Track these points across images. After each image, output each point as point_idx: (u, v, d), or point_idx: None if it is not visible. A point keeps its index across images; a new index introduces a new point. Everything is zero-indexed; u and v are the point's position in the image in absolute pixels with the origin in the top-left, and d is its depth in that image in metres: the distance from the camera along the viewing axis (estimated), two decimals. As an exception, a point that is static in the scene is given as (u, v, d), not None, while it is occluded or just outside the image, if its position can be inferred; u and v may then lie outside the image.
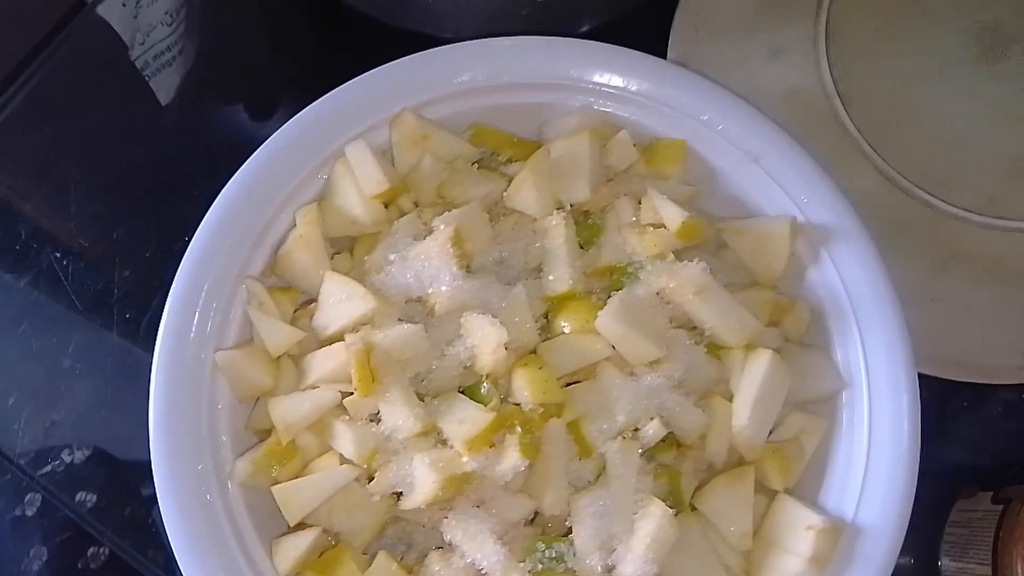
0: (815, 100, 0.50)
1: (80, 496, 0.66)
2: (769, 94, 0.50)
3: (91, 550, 0.74)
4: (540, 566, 0.39)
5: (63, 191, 0.58)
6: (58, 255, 0.56)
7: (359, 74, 0.45)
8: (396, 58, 0.46)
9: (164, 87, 0.66)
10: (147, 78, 0.65)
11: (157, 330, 0.41)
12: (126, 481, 0.61)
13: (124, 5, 0.62)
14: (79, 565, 0.73)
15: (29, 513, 0.76)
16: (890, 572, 0.40)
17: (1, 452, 0.59)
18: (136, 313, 0.55)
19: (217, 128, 0.64)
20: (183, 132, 0.63)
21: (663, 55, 0.54)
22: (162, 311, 0.50)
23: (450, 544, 0.40)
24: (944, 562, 0.52)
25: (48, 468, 0.60)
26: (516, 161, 0.46)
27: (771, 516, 0.42)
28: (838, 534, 0.40)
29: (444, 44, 0.46)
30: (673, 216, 0.42)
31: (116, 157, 0.60)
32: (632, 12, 0.58)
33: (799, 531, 0.40)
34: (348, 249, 0.46)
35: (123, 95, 0.63)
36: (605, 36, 0.47)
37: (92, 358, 0.56)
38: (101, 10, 0.61)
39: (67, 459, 0.61)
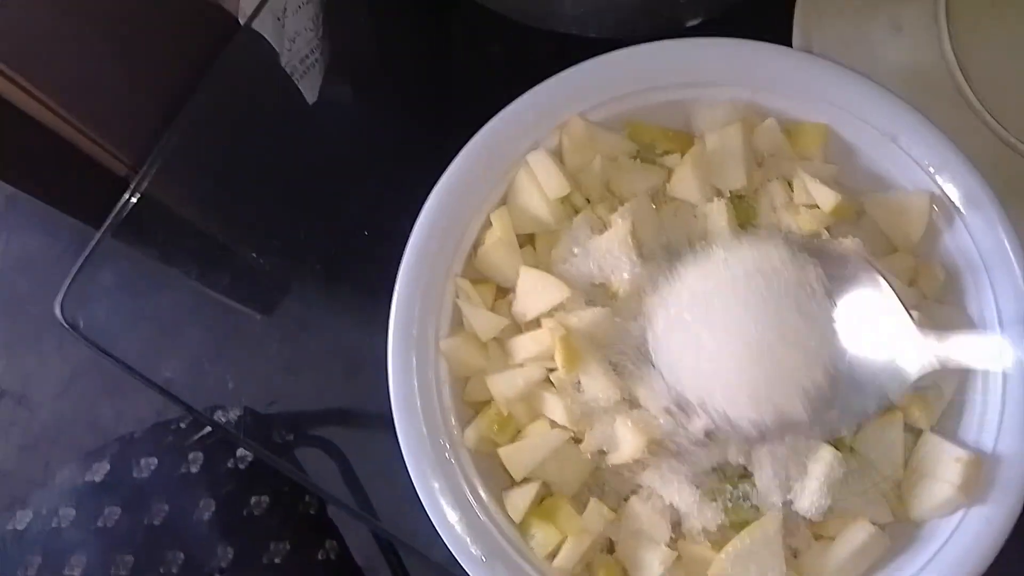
0: (937, 73, 0.54)
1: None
2: (891, 69, 0.55)
3: (253, 499, 0.84)
4: (729, 504, 0.47)
5: (251, 198, 0.65)
6: (255, 255, 0.64)
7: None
8: (544, 62, 0.51)
9: (309, 88, 0.72)
10: (296, 80, 0.71)
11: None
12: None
13: (277, 19, 0.68)
14: (244, 512, 0.84)
15: (194, 470, 0.86)
16: (1026, 496, 0.47)
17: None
18: (329, 296, 0.63)
19: (367, 128, 0.70)
20: (337, 134, 0.69)
21: (786, 35, 0.59)
22: (354, 298, 0.58)
23: (647, 489, 0.48)
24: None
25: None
26: (671, 153, 0.52)
27: (919, 451, 0.49)
28: (981, 463, 0.47)
29: (585, 41, 0.52)
30: (827, 198, 0.48)
31: (286, 162, 0.67)
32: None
33: (948, 462, 0.47)
34: (529, 243, 0.52)
35: (280, 102, 0.70)
36: (730, 20, 0.52)
37: (287, 342, 0.65)
38: (256, 24, 0.68)
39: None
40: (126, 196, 0.64)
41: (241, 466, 0.85)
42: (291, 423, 0.70)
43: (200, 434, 0.87)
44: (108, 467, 0.87)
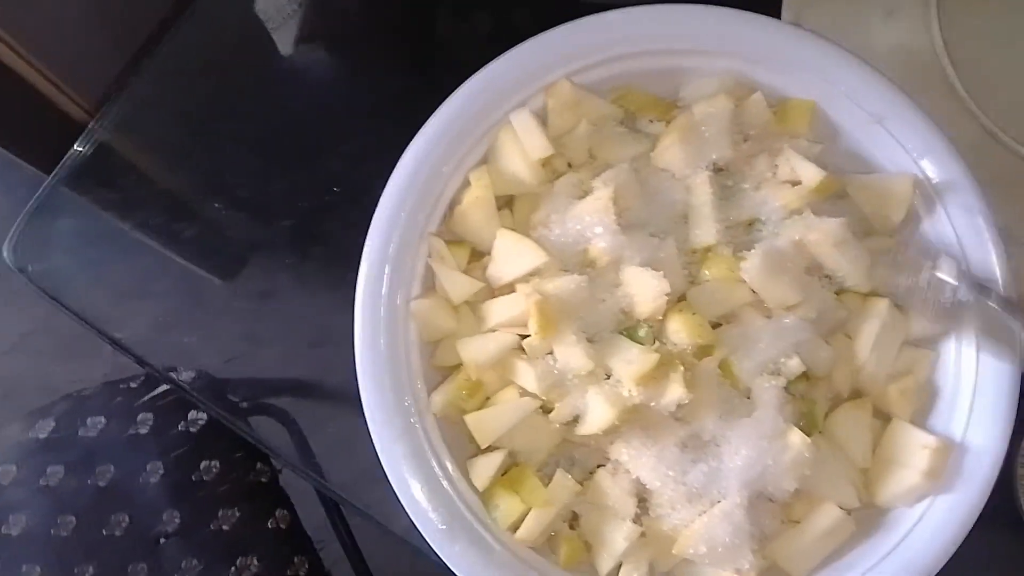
0: (925, 59, 0.54)
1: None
2: (881, 53, 0.54)
3: (203, 464, 0.82)
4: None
5: (218, 147, 0.63)
6: (217, 205, 0.62)
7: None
8: (532, 28, 0.49)
9: (285, 39, 0.69)
10: (271, 31, 0.69)
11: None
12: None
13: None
14: (192, 477, 0.82)
15: (143, 431, 0.83)
16: (992, 484, 0.47)
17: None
18: (297, 259, 0.61)
19: (345, 86, 0.68)
20: (313, 90, 0.67)
21: (776, 13, 0.58)
22: (323, 258, 0.56)
23: (615, 462, 0.47)
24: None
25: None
26: (657, 121, 0.51)
27: (888, 438, 0.48)
28: (948, 452, 0.47)
29: (575, 7, 0.50)
30: (812, 175, 0.47)
31: (257, 116, 0.64)
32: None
33: (916, 449, 0.47)
34: (507, 206, 0.51)
35: (255, 53, 0.67)
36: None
37: (254, 298, 0.62)
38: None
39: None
40: (81, 141, 0.61)
41: (192, 429, 0.83)
42: (248, 390, 0.68)
43: (151, 394, 0.84)
44: (53, 424, 0.84)
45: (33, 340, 1.34)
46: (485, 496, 0.47)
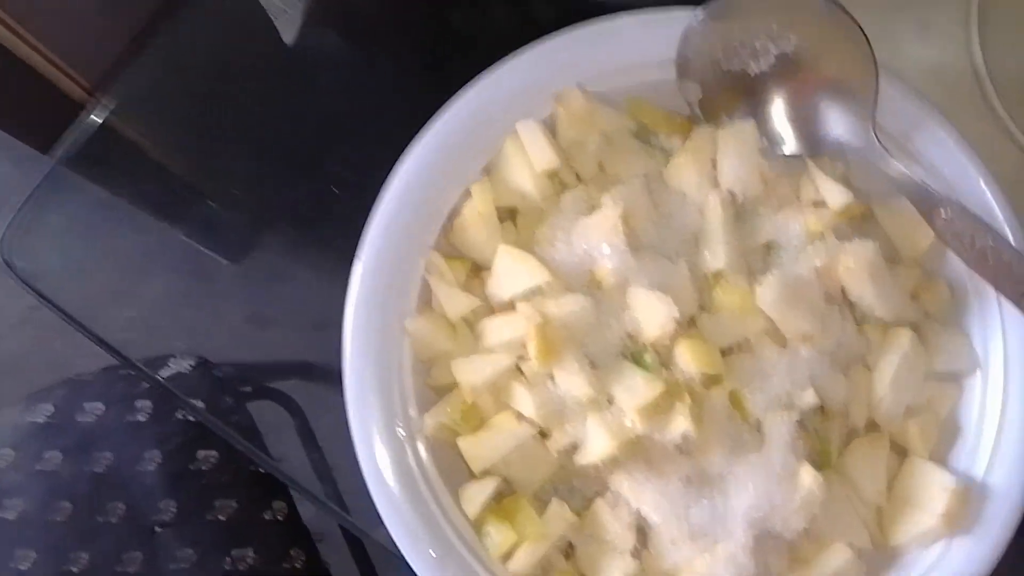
0: (962, 77, 0.51)
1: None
2: (913, 68, 0.51)
3: (201, 453, 0.81)
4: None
5: (215, 142, 0.60)
6: (214, 205, 0.59)
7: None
8: (550, 26, 0.47)
9: (289, 28, 0.67)
10: (273, 19, 0.66)
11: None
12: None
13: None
14: (190, 467, 0.81)
15: (141, 419, 0.83)
16: (1014, 530, 0.44)
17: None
18: (291, 262, 0.59)
19: (352, 79, 0.65)
20: (320, 82, 0.64)
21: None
22: (320, 266, 0.54)
23: (615, 493, 0.45)
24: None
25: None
26: (673, 135, 0.48)
27: (905, 476, 0.46)
28: (969, 494, 0.44)
29: (596, 6, 0.47)
30: (838, 196, 0.44)
31: (262, 107, 0.62)
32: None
33: (934, 491, 0.44)
34: (511, 220, 0.48)
35: (262, 42, 0.65)
36: None
37: (244, 304, 0.60)
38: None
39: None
40: (82, 122, 0.59)
41: (191, 418, 0.82)
42: (248, 375, 0.66)
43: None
44: (52, 409, 0.83)
45: (42, 315, 1.33)
46: (477, 524, 0.45)
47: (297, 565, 0.80)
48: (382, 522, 0.44)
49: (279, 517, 0.81)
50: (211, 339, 0.63)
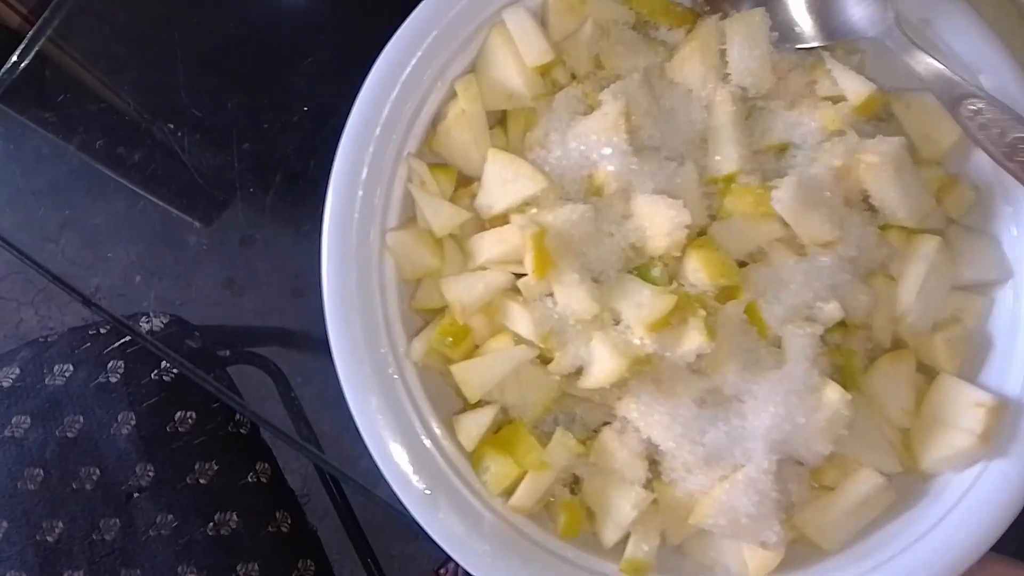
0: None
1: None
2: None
3: (178, 414, 0.77)
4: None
5: (168, 60, 0.55)
6: (171, 127, 0.55)
7: None
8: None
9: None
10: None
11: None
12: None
13: None
14: (167, 428, 0.77)
15: (113, 380, 0.79)
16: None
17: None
18: (260, 187, 0.54)
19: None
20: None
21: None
22: (285, 185, 0.49)
23: (623, 420, 0.41)
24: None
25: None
26: (675, 29, 0.44)
27: (934, 394, 0.42)
28: (1004, 411, 0.41)
29: None
30: (858, 88, 0.40)
31: (216, 24, 0.57)
32: None
33: (967, 408, 0.41)
34: (500, 124, 0.44)
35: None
36: None
37: (216, 234, 0.56)
38: None
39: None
40: (18, 53, 0.54)
41: (166, 378, 0.78)
42: (228, 338, 0.62)
43: (122, 340, 0.79)
44: (18, 371, 0.79)
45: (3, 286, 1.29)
46: (474, 457, 0.41)
47: (283, 528, 0.77)
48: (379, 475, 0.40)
49: (262, 479, 0.78)
50: (182, 296, 0.58)
